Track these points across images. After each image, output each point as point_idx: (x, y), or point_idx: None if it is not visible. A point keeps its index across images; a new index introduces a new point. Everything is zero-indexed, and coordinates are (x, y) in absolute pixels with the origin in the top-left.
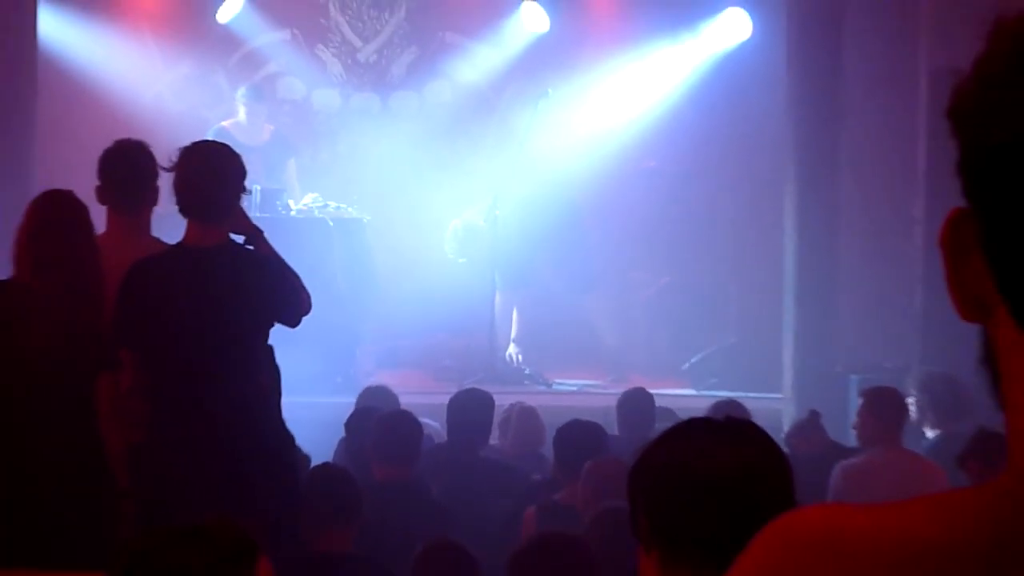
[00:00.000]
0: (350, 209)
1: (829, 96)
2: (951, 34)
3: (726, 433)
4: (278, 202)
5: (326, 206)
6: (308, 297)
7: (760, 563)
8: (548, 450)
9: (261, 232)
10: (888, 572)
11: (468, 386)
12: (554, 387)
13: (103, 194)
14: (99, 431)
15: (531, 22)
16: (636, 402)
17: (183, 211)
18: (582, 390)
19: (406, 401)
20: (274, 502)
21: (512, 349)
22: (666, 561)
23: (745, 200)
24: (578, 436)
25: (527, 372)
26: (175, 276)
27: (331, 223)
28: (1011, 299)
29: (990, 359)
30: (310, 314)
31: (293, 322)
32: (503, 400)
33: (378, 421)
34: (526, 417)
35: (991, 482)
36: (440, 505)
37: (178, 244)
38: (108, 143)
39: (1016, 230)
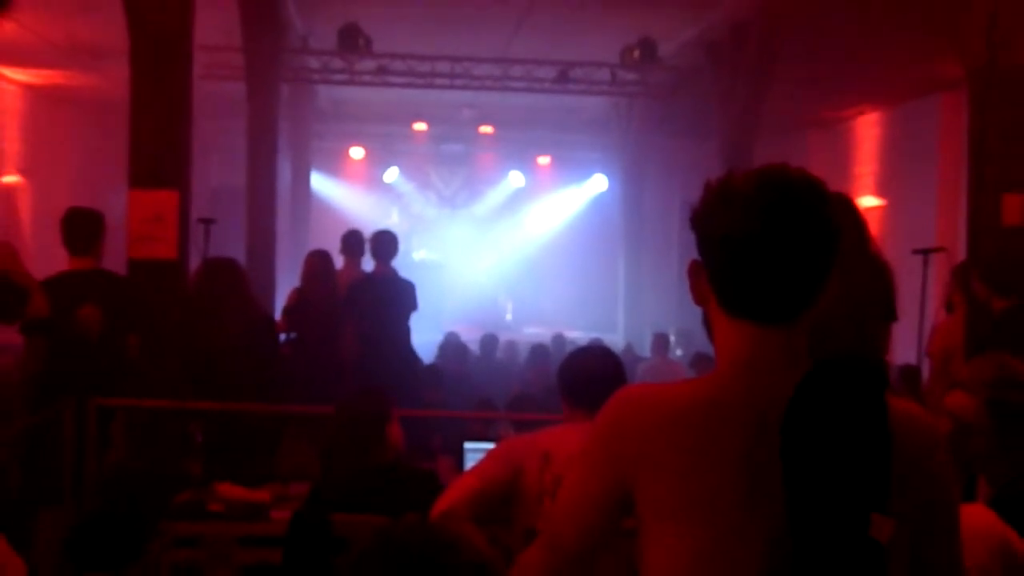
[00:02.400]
0: (438, 258)
1: (638, 212)
2: (694, 186)
3: (596, 351)
4: (409, 256)
5: (428, 257)
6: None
7: (608, 410)
8: (523, 359)
9: (395, 270)
10: (665, 412)
11: (488, 332)
12: (525, 332)
13: (342, 250)
14: (341, 352)
15: (515, 181)
16: (560, 338)
17: (375, 258)
18: (538, 334)
19: (464, 337)
20: (410, 379)
21: (508, 315)
22: (570, 408)
23: (603, 257)
24: (536, 353)
25: (513, 326)
26: (371, 287)
27: (430, 265)
28: (718, 295)
29: (707, 323)
30: (421, 304)
31: (415, 307)
32: (504, 339)
33: (451, 347)
34: (512, 346)
35: (708, 375)
36: (478, 381)
37: (371, 273)
38: (343, 231)
39: (715, 267)
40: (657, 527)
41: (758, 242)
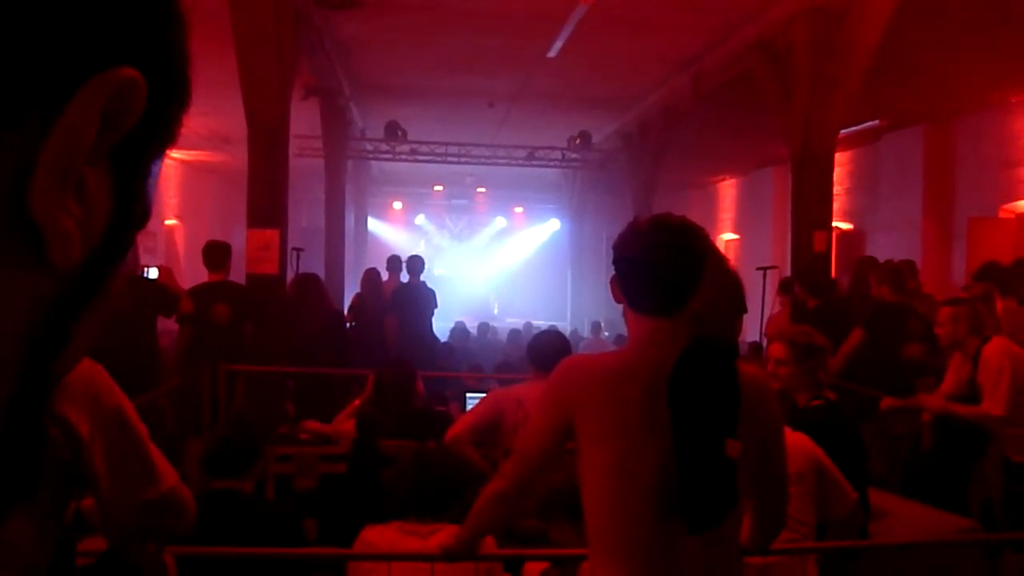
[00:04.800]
0: (450, 273)
1: (579, 243)
2: (616, 226)
3: (552, 333)
4: (432, 272)
5: (444, 273)
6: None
7: (556, 371)
8: (505, 339)
9: (423, 281)
10: (594, 372)
11: (483, 321)
12: (506, 321)
13: (387, 268)
14: (390, 340)
15: (500, 223)
16: (529, 325)
17: (409, 273)
18: (515, 322)
19: (468, 324)
20: (432, 352)
21: (495, 310)
22: (535, 370)
23: (557, 272)
24: (513, 335)
25: (498, 317)
26: (407, 293)
27: (445, 278)
28: (626, 297)
29: (623, 315)
30: (439, 303)
31: (436, 306)
32: (492, 325)
33: (458, 331)
34: (497, 330)
35: (621, 349)
36: (475, 352)
37: (407, 283)
38: (387, 256)
39: (624, 279)
40: (588, 448)
41: (650, 263)
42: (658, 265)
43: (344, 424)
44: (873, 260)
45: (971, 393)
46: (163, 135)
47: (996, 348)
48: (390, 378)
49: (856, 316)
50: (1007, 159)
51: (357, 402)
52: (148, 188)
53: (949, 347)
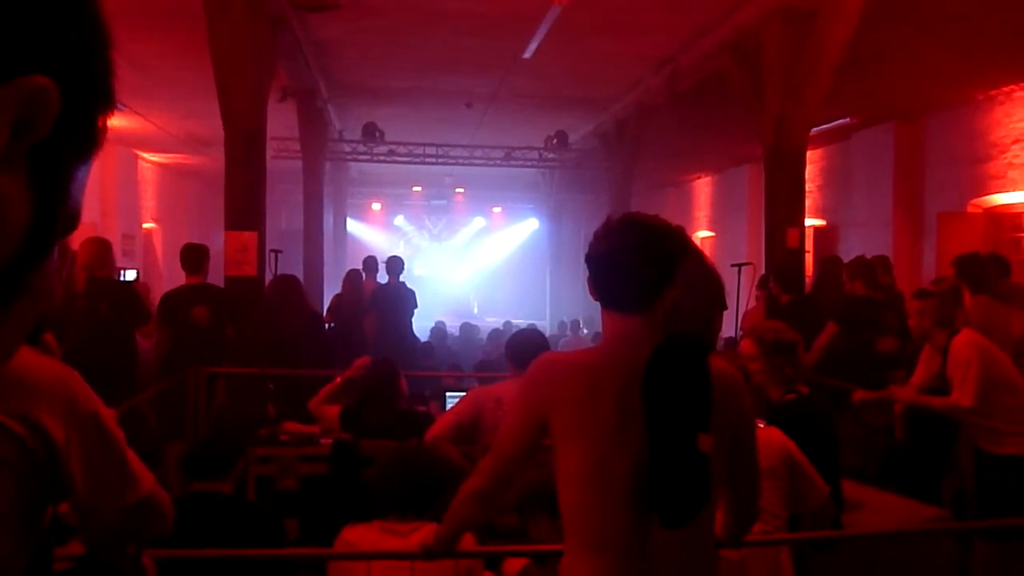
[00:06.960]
0: (430, 273)
1: (557, 242)
2: (592, 225)
3: (529, 330)
4: (412, 272)
5: (424, 273)
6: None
7: (532, 368)
8: (485, 338)
9: (403, 282)
10: (568, 369)
11: (464, 322)
12: (486, 320)
13: (363, 269)
14: (365, 335)
15: (478, 223)
16: (508, 324)
17: (388, 273)
18: (494, 322)
19: (448, 323)
20: (412, 352)
21: (475, 309)
22: (514, 369)
23: (536, 271)
24: (492, 334)
25: (478, 316)
26: (387, 293)
27: (425, 278)
28: (597, 295)
29: (601, 313)
30: (419, 303)
31: (416, 306)
32: (473, 324)
33: (438, 331)
34: (477, 329)
35: (595, 346)
36: (456, 352)
37: (387, 283)
38: (363, 255)
39: (593, 276)
40: (564, 443)
41: (619, 261)
42: (627, 263)
43: (327, 408)
44: (837, 259)
45: (942, 385)
46: (84, 141)
47: (964, 340)
48: (376, 378)
49: (829, 310)
50: (975, 155)
51: (339, 380)
52: (74, 193)
53: (919, 340)
